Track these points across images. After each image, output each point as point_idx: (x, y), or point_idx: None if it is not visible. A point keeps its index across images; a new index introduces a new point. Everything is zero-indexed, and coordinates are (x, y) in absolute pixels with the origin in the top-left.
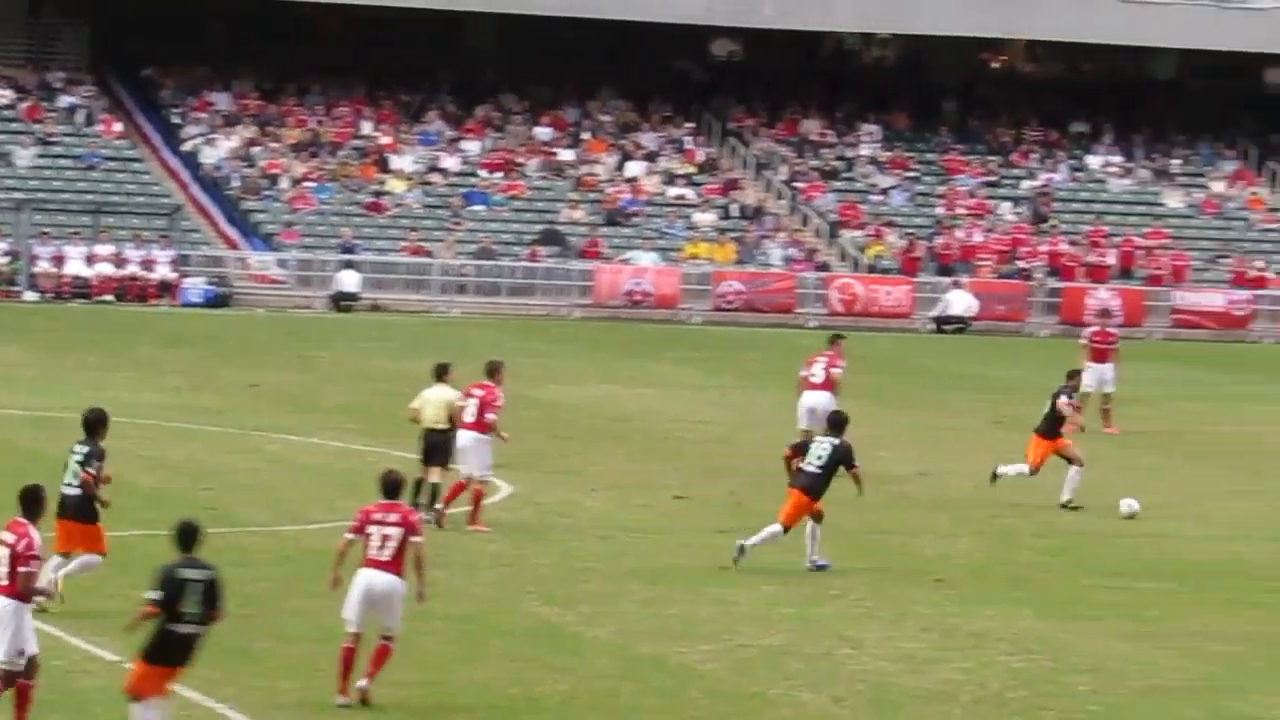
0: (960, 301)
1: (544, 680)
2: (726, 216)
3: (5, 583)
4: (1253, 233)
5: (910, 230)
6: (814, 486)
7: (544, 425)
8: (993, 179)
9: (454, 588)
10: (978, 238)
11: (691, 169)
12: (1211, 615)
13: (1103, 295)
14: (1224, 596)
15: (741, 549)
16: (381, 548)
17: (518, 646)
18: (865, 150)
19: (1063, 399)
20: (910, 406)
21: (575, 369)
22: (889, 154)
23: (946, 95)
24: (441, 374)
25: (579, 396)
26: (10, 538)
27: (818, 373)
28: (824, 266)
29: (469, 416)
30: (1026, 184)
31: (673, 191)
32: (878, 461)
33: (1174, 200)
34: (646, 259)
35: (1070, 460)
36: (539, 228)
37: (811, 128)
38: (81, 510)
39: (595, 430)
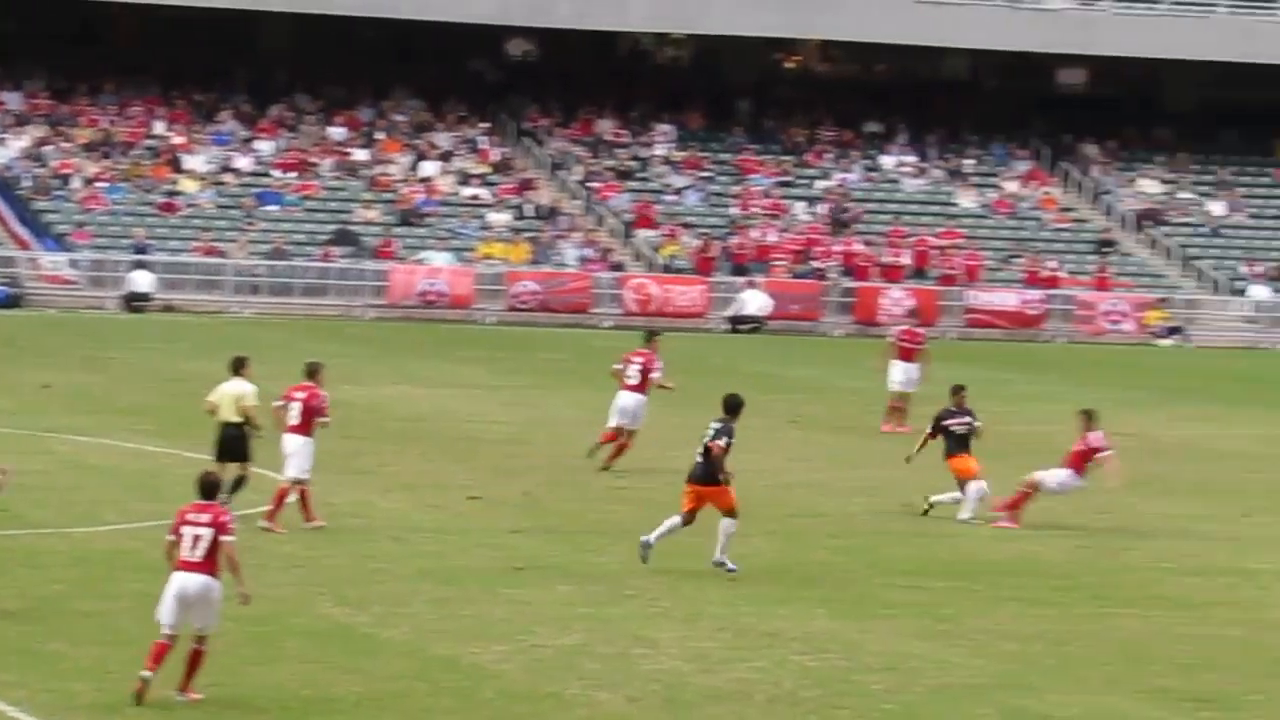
0: (755, 301)
1: (337, 682)
2: (521, 216)
3: None
4: (1045, 232)
5: (705, 230)
6: (705, 475)
7: (338, 426)
8: (787, 179)
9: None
10: (772, 237)
11: (486, 169)
12: (1005, 614)
13: (896, 295)
14: (1018, 595)
15: (647, 546)
16: (193, 548)
17: (310, 648)
18: (660, 150)
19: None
20: (705, 406)
21: (369, 369)
22: (683, 154)
23: (740, 95)
24: (238, 368)
25: (373, 397)
26: None
27: (633, 374)
28: (619, 266)
29: (293, 419)
30: (821, 184)
31: (467, 191)
32: (672, 461)
33: (967, 200)
34: (441, 259)
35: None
36: (333, 228)
37: (606, 128)
38: None
39: (389, 431)
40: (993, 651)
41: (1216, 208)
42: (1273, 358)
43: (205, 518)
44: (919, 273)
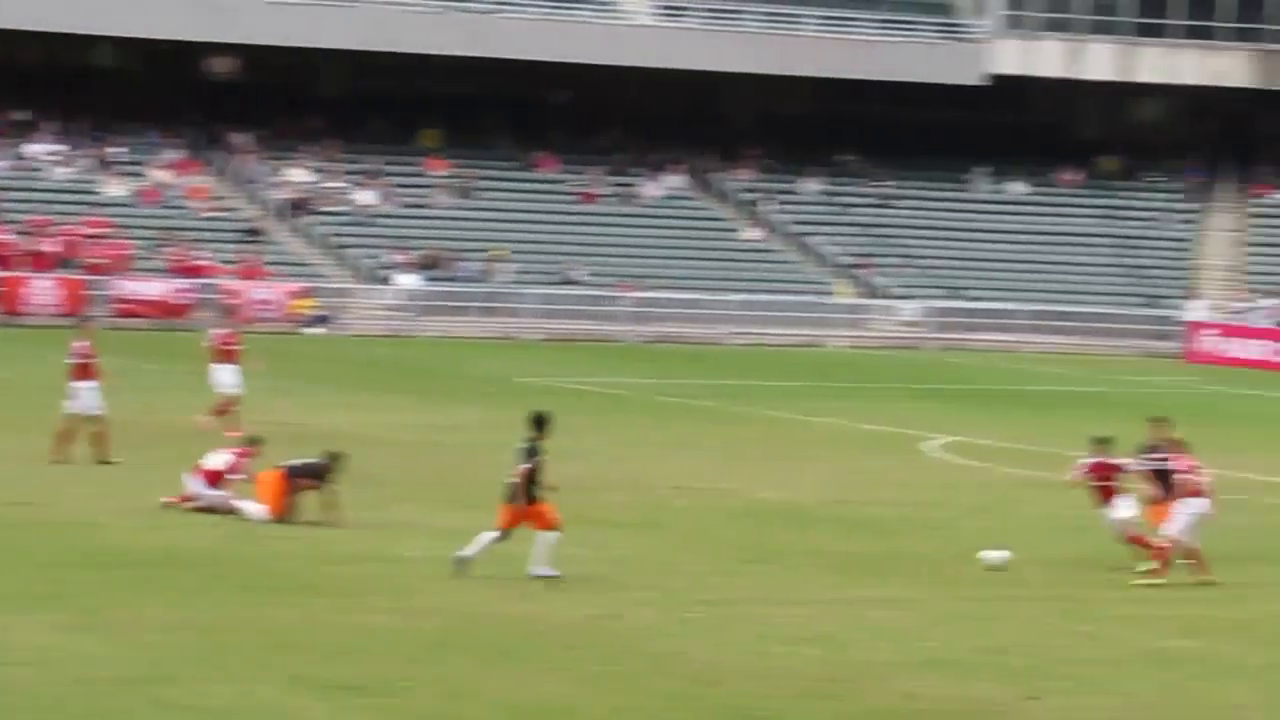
0: None
1: None
2: None
3: None
4: (195, 221)
5: None
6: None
7: None
8: None
9: None
10: None
11: None
12: (152, 605)
13: (43, 284)
14: (165, 586)
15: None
16: None
17: None
18: None
19: None
20: None
21: None
22: None
23: None
24: None
25: None
26: None
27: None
28: None
29: None
30: None
31: None
32: None
33: (115, 189)
34: None
35: None
36: None
37: None
38: None
39: None
40: (140, 643)
41: (365, 196)
42: (420, 345)
43: None
44: (68, 262)
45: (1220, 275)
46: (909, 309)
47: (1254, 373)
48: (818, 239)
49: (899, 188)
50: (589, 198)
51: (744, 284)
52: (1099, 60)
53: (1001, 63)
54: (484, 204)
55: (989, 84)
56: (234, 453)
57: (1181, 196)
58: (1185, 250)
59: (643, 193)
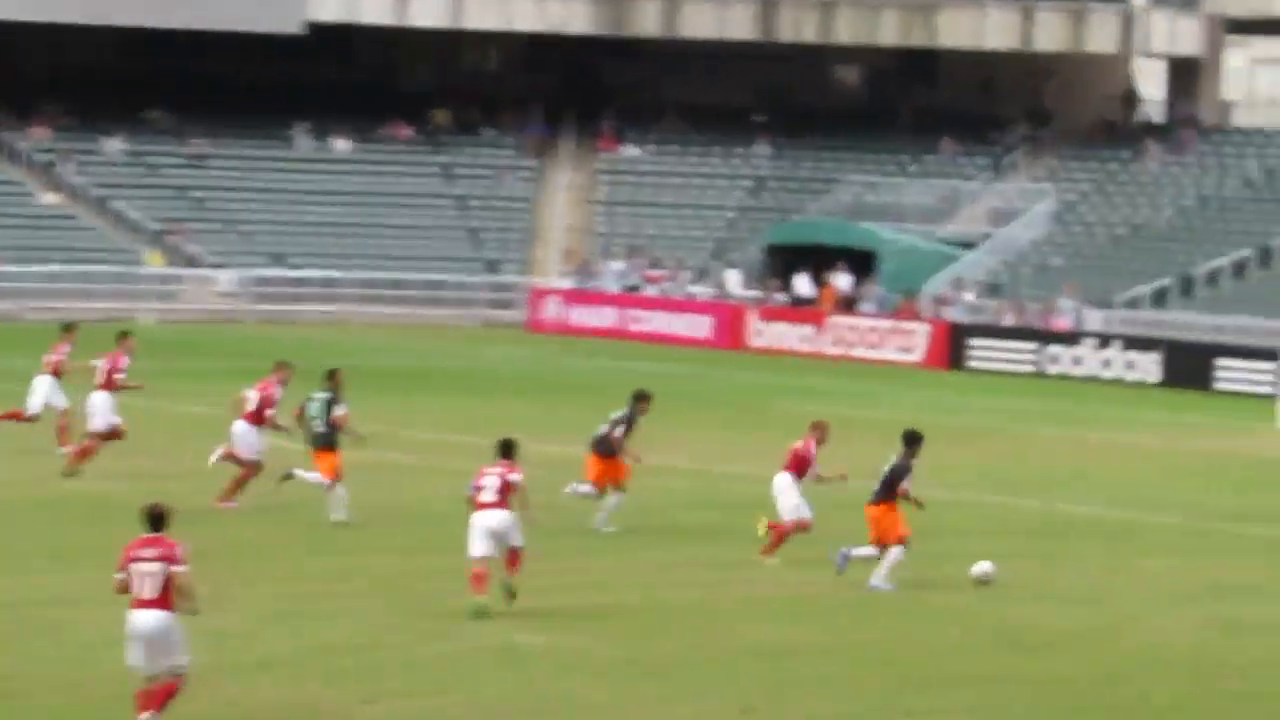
0: None
1: None
2: None
3: None
4: None
5: None
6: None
7: None
8: None
9: None
10: None
11: None
12: None
13: None
14: None
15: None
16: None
17: None
18: None
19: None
20: None
21: None
22: None
23: None
24: None
25: None
26: None
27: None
28: None
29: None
30: None
31: None
32: None
33: None
34: None
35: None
36: None
37: None
38: None
39: None
40: None
41: None
42: None
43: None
44: None
45: (565, 236)
46: (226, 279)
47: (601, 341)
48: (123, 203)
49: (213, 147)
50: None
51: (44, 253)
52: (427, 7)
53: (322, 10)
54: None
55: (309, 33)
56: None
57: (520, 152)
58: (526, 210)
59: None
